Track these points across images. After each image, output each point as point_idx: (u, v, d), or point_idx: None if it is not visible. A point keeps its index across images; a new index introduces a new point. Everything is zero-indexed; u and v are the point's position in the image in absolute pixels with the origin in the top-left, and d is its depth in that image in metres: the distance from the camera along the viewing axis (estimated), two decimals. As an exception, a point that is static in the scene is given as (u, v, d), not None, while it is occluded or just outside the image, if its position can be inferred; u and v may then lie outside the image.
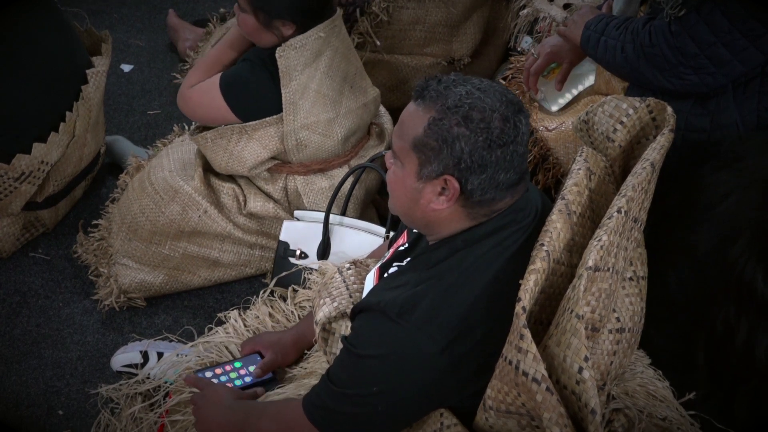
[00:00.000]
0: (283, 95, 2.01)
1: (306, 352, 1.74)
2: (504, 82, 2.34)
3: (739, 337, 1.39)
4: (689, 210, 1.55)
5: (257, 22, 1.97)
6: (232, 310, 1.90)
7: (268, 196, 2.20)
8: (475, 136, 1.19)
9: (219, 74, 2.06)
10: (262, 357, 1.70)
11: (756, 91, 1.63)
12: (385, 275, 1.45)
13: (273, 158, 2.14)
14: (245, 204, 2.18)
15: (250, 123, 2.05)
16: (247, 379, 1.66)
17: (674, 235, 1.56)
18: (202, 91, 2.08)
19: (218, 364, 1.69)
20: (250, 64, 2.04)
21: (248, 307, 1.92)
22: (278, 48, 1.96)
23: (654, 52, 1.63)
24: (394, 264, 1.45)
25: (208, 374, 1.65)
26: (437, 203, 1.26)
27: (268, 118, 2.04)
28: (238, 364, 1.68)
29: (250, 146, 2.09)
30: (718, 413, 1.44)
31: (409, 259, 1.42)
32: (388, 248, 1.60)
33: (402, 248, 1.48)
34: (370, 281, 1.51)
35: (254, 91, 2.03)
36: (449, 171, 1.22)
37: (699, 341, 1.49)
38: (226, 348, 1.79)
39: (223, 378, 1.65)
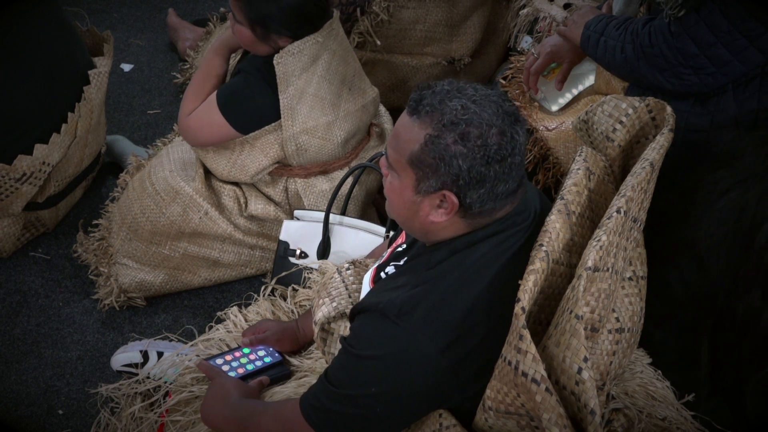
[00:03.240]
0: (280, 101, 2.00)
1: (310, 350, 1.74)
2: (504, 82, 2.34)
3: (764, 319, 1.39)
4: (687, 208, 1.55)
5: (253, 35, 1.96)
6: (232, 306, 1.90)
7: (269, 198, 2.20)
8: (472, 154, 1.19)
9: (214, 93, 2.05)
10: (270, 348, 1.72)
11: (756, 91, 1.63)
12: (382, 274, 1.45)
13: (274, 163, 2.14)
14: (246, 206, 2.18)
15: (251, 133, 2.06)
16: (258, 363, 1.67)
17: (673, 233, 1.57)
18: (200, 114, 2.06)
19: (228, 351, 1.71)
20: (244, 75, 2.02)
21: (249, 304, 1.92)
22: (276, 55, 1.96)
23: (654, 52, 1.63)
24: (392, 264, 1.45)
25: (219, 361, 1.66)
26: (436, 216, 1.26)
27: (267, 126, 2.04)
28: (246, 350, 1.70)
29: (252, 155, 2.09)
30: (724, 408, 1.44)
31: (406, 259, 1.42)
32: (388, 247, 1.60)
33: (400, 249, 1.48)
34: (366, 282, 1.51)
35: (252, 103, 2.02)
36: (447, 187, 1.22)
37: (703, 337, 1.49)
38: (227, 345, 1.79)
39: (234, 363, 1.66)
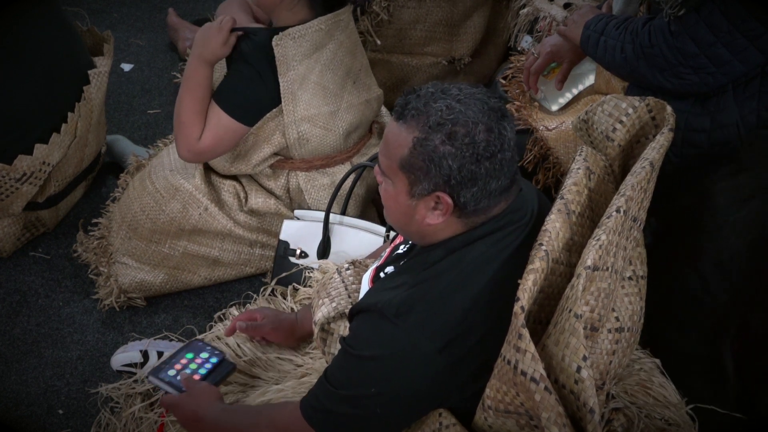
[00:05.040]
0: (281, 84, 1.99)
1: (309, 351, 1.74)
2: (504, 82, 2.34)
3: None
4: (706, 214, 1.54)
5: None
6: (231, 306, 1.90)
7: (270, 192, 2.20)
8: (461, 153, 1.19)
9: (212, 104, 1.99)
10: (207, 347, 1.65)
11: (756, 91, 1.63)
12: (382, 275, 1.45)
13: (276, 154, 2.14)
14: (246, 201, 2.18)
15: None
16: (208, 366, 1.60)
17: (691, 238, 1.55)
18: (211, 129, 1.99)
19: (170, 359, 1.62)
20: (233, 71, 2.00)
21: (248, 303, 1.92)
22: (275, 36, 1.95)
23: (653, 52, 1.63)
24: (391, 264, 1.45)
25: (171, 372, 1.58)
26: (432, 218, 1.26)
27: (268, 114, 2.04)
28: (189, 355, 1.63)
29: (254, 143, 2.09)
30: (747, 413, 1.44)
31: (405, 259, 1.42)
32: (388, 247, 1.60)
33: (399, 250, 1.48)
34: (365, 282, 1.51)
35: (248, 92, 2.00)
36: (440, 188, 1.22)
37: (726, 344, 1.48)
38: (227, 345, 1.79)
39: (187, 371, 1.59)
